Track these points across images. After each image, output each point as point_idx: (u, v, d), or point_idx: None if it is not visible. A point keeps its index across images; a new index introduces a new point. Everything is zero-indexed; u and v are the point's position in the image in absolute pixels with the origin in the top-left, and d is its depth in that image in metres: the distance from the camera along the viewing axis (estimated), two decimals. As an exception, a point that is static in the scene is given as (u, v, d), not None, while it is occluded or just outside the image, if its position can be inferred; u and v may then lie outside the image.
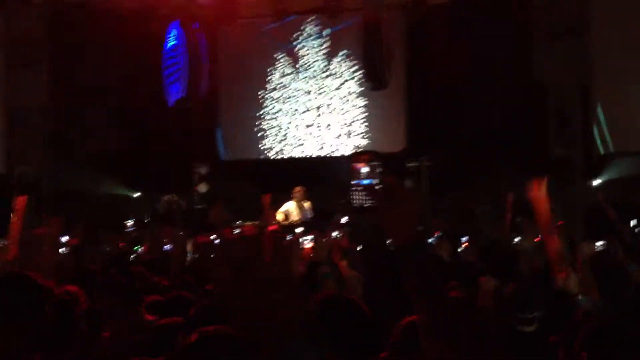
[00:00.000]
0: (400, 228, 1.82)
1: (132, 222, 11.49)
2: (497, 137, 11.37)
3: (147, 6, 12.29)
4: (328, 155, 13.13)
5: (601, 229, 7.60)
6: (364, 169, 2.22)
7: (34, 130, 12.77)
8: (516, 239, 6.90)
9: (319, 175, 11.45)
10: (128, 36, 12.39)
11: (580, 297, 4.24)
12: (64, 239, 7.16)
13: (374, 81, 11.50)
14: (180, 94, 12.75)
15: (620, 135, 11.36)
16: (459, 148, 11.61)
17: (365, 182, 2.16)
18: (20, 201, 5.05)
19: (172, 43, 12.93)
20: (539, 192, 4.47)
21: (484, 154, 11.30)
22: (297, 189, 10.88)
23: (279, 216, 10.82)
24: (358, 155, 2.18)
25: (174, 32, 12.88)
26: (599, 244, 6.81)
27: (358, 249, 6.58)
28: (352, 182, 2.21)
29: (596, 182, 11.57)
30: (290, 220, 10.73)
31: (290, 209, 10.88)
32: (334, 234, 8.56)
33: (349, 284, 4.87)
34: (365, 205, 2.09)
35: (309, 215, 10.78)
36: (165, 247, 7.82)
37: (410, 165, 11.95)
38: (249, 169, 13.13)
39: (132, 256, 7.72)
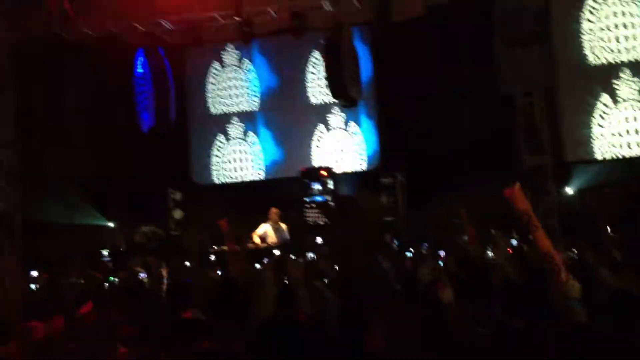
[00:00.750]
0: (352, 245, 1.80)
1: (108, 252, 11.38)
2: (468, 149, 11.47)
3: (113, 34, 12.25)
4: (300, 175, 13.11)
5: (575, 237, 7.67)
6: (316, 186, 2.21)
7: (2, 164, 12.58)
8: (489, 252, 6.91)
9: (292, 196, 11.42)
10: (95, 66, 12.33)
11: (572, 300, 4.23)
12: (34, 273, 7.06)
13: (338, 98, 11.55)
14: (150, 123, 12.70)
15: (583, 143, 11.52)
16: (432, 162, 11.69)
17: (319, 198, 2.15)
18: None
19: (139, 71, 12.90)
20: (515, 191, 4.50)
21: (457, 167, 11.38)
22: (273, 210, 10.84)
23: (256, 239, 10.78)
24: (309, 172, 2.17)
25: (140, 60, 12.85)
26: (574, 252, 6.86)
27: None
28: (306, 200, 2.19)
29: (569, 190, 11.71)
30: (267, 243, 10.69)
31: (267, 232, 10.83)
32: (310, 255, 8.54)
33: (325, 305, 4.83)
34: (320, 222, 2.08)
35: (286, 236, 10.74)
36: (140, 275, 7.74)
37: (384, 180, 12.02)
38: (223, 193, 13.08)
39: (106, 285, 7.62)
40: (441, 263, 7.31)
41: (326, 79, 11.49)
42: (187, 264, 8.32)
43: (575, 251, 6.95)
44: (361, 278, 1.65)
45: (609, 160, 11.49)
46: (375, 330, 2.18)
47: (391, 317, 1.64)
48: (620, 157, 11.44)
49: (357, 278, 1.64)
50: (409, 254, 8.32)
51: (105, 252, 11.32)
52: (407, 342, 1.60)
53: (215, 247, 10.75)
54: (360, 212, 1.70)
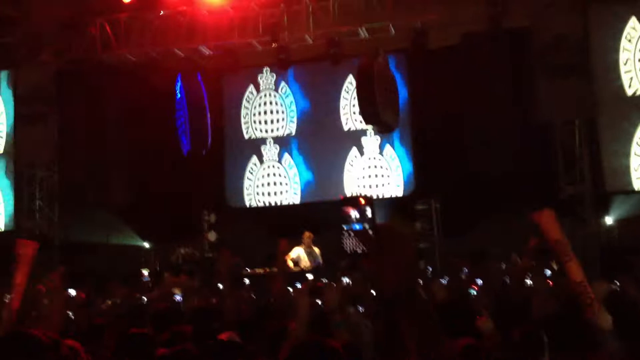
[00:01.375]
0: (392, 275, 1.77)
1: (147, 272, 11.49)
2: (505, 177, 11.35)
3: (153, 60, 12.50)
4: (335, 200, 13.10)
5: (615, 268, 7.50)
6: (354, 213, 2.18)
7: (42, 185, 12.86)
8: (528, 282, 6.78)
9: (326, 221, 11.42)
10: (135, 90, 12.58)
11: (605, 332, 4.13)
12: (72, 292, 7.13)
13: (370, 124, 11.56)
14: (187, 147, 12.88)
15: (622, 172, 11.30)
16: (469, 189, 11.59)
17: (357, 226, 2.12)
18: (24, 253, 5.03)
19: (178, 96, 13.14)
20: (545, 217, 4.40)
21: (494, 195, 11.26)
22: (307, 234, 10.84)
23: (289, 262, 10.77)
24: (348, 200, 2.15)
25: (178, 85, 13.09)
26: (613, 283, 6.70)
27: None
28: (344, 227, 2.17)
29: (608, 220, 11.49)
30: (300, 267, 10.67)
31: (300, 255, 10.83)
32: (345, 280, 8.49)
33: (360, 332, 4.79)
34: (358, 251, 2.04)
35: (319, 261, 10.71)
36: (176, 296, 7.78)
37: (419, 206, 11.93)
38: (257, 216, 13.14)
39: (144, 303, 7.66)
40: (474, 292, 7.21)
41: (358, 103, 11.53)
42: (220, 286, 8.35)
43: (617, 282, 6.78)
44: (399, 305, 1.62)
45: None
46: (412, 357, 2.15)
47: (429, 345, 1.61)
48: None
49: (394, 304, 1.62)
50: (443, 282, 8.21)
51: (145, 272, 11.44)
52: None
53: (249, 270, 10.79)
54: (399, 241, 1.67)
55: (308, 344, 2.45)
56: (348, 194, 12.63)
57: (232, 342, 4.11)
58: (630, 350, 3.90)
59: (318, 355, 2.33)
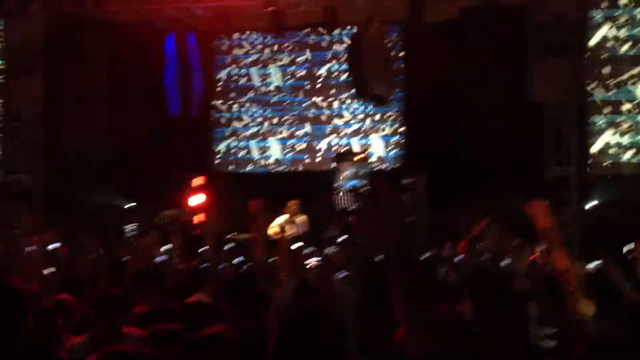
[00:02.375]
0: (385, 234, 1.73)
1: (130, 228, 11.42)
2: (494, 154, 11.36)
3: (144, 18, 12.29)
4: (322, 169, 13.06)
5: (597, 249, 7.56)
6: (348, 170, 2.11)
7: (28, 139, 12.71)
8: (505, 261, 6.81)
9: (312, 189, 11.39)
10: (124, 47, 12.39)
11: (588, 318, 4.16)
12: (51, 246, 7.10)
13: (360, 97, 11.46)
14: (174, 108, 12.75)
15: (610, 157, 11.36)
16: (457, 164, 11.60)
17: (350, 184, 2.06)
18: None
19: (169, 55, 12.96)
20: (539, 207, 4.39)
21: (481, 172, 11.28)
22: (291, 202, 10.80)
23: (272, 230, 10.75)
24: (342, 156, 2.08)
25: (170, 45, 12.90)
26: (594, 264, 6.76)
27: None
28: (335, 184, 2.10)
29: (591, 203, 11.56)
30: (284, 235, 10.65)
31: (284, 223, 10.80)
32: (329, 249, 8.50)
33: (342, 300, 4.80)
34: (349, 209, 1.99)
35: (305, 229, 10.69)
36: (157, 258, 7.75)
37: (407, 179, 11.93)
38: (244, 181, 13.09)
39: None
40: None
41: (349, 73, 11.42)
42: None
43: (596, 264, 6.84)
44: (390, 264, 1.58)
45: (634, 176, 11.34)
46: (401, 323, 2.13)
47: (421, 306, 1.58)
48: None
49: (385, 264, 1.59)
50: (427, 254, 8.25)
51: (129, 228, 11.39)
52: (435, 339, 1.54)
53: (234, 234, 10.76)
54: (392, 198, 1.62)
55: (299, 316, 2.42)
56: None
57: (201, 304, 4.11)
58: (609, 328, 3.94)
59: (311, 325, 2.30)
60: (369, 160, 10.84)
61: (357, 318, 4.26)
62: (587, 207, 11.51)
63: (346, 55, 12.66)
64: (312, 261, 7.09)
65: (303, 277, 5.16)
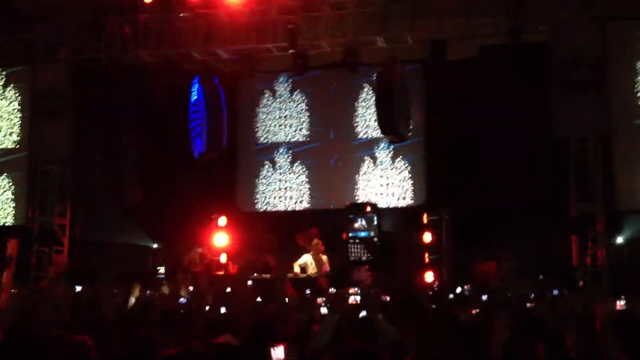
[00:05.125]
0: (396, 283, 1.76)
1: (163, 270, 11.51)
2: (517, 192, 11.30)
3: (170, 61, 12.56)
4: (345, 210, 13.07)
5: (624, 287, 7.44)
6: (361, 221, 2.16)
7: (55, 182, 12.93)
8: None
9: (338, 229, 11.41)
10: (151, 90, 12.65)
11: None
12: (79, 287, 7.17)
13: (387, 134, 11.54)
14: (201, 149, 12.89)
15: (635, 192, 11.19)
16: (480, 202, 11.56)
17: (363, 234, 2.10)
18: (12, 246, 5.07)
19: (194, 98, 13.16)
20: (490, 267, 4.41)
21: (506, 209, 11.22)
22: (315, 241, 10.86)
23: (296, 268, 10.79)
24: (354, 207, 2.13)
25: (195, 87, 13.11)
26: (621, 302, 6.65)
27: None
28: (349, 235, 2.14)
29: (619, 240, 11.41)
30: (307, 274, 10.67)
31: (307, 262, 10.84)
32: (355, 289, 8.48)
33: (383, 338, 4.77)
34: (363, 259, 2.02)
35: (327, 269, 10.71)
36: (181, 299, 7.79)
37: (429, 218, 11.91)
38: (267, 221, 13.15)
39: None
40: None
41: (376, 114, 11.53)
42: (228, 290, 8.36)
43: (624, 301, 6.73)
44: (404, 311, 1.62)
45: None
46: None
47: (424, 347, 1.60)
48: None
49: (400, 310, 1.62)
50: (450, 296, 8.18)
51: (161, 270, 11.48)
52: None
53: (256, 275, 10.80)
54: (404, 249, 1.66)
55: (353, 350, 2.45)
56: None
57: (228, 345, 4.11)
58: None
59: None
60: (379, 211, 10.92)
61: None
62: (615, 243, 11.35)
63: (372, 95, 12.82)
64: (352, 299, 7.10)
65: (346, 313, 5.14)
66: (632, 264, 10.31)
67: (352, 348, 2.45)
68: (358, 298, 6.94)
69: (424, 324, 1.72)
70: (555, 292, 8.05)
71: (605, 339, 4.24)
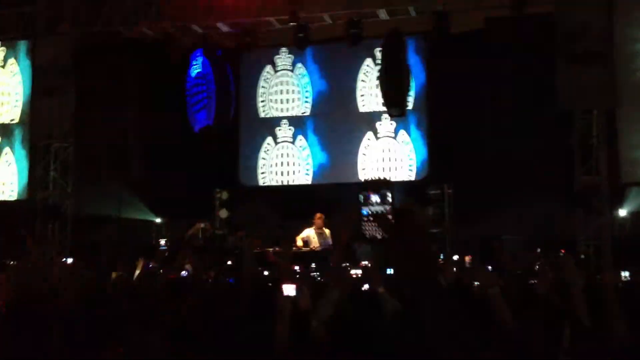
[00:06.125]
0: (408, 262, 1.73)
1: (164, 242, 11.54)
2: (521, 165, 11.26)
3: (172, 35, 12.46)
4: (348, 183, 13.05)
5: (628, 259, 7.43)
6: (375, 197, 2.13)
7: (57, 156, 12.91)
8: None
9: (339, 204, 11.40)
10: (152, 64, 12.56)
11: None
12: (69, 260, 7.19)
13: (392, 108, 11.47)
14: (207, 122, 12.82)
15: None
16: (483, 176, 11.52)
17: (377, 210, 2.07)
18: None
19: (197, 71, 13.06)
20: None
21: (508, 182, 11.19)
22: (318, 215, 10.85)
23: (299, 242, 10.80)
24: (368, 183, 2.10)
25: (199, 60, 13.01)
26: (625, 273, 6.64)
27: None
28: (363, 212, 2.11)
29: (623, 212, 11.38)
30: (310, 247, 10.68)
31: (310, 236, 10.84)
32: (364, 262, 8.51)
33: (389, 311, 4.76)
34: (378, 237, 1.99)
35: (329, 242, 10.71)
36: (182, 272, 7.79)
37: (432, 192, 11.88)
38: (269, 195, 13.15)
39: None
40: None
41: (381, 87, 11.44)
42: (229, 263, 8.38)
43: (627, 273, 6.72)
44: (417, 295, 1.60)
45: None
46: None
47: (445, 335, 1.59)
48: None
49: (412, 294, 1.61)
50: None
51: (162, 242, 11.50)
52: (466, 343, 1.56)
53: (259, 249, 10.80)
54: (419, 225, 1.63)
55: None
56: (363, 177, 12.56)
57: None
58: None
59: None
60: (394, 187, 10.85)
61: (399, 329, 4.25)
62: (618, 216, 11.33)
63: (375, 68, 12.73)
64: (354, 272, 7.11)
65: (347, 288, 5.14)
66: (636, 236, 10.28)
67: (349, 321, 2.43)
68: (360, 272, 6.95)
69: (437, 296, 1.69)
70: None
71: (610, 310, 4.23)
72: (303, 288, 4.37)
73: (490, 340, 3.24)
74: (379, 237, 1.97)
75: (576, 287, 4.22)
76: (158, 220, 13.59)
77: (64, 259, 8.60)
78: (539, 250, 9.17)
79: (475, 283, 5.01)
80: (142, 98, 13.44)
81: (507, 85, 11.62)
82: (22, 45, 13.28)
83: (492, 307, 3.80)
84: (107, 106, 13.22)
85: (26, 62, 13.22)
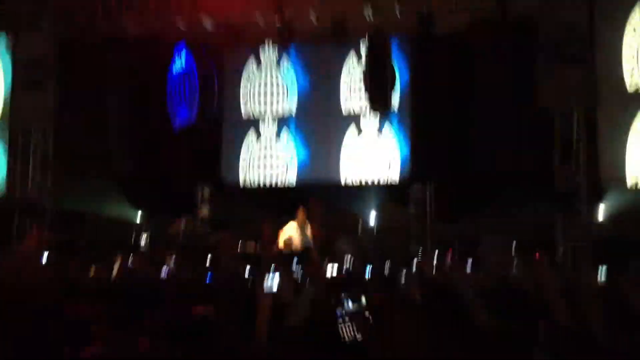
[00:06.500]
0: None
1: (146, 240, 11.46)
2: (502, 165, 11.32)
3: (153, 31, 12.37)
4: (330, 182, 13.04)
5: (606, 261, 7.49)
6: (347, 300, 2.08)
7: (36, 151, 12.78)
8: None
9: (322, 203, 11.39)
10: (136, 61, 12.46)
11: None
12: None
13: (376, 107, 11.49)
14: (190, 118, 12.77)
15: (619, 166, 11.26)
16: (464, 175, 11.57)
17: (351, 308, 2.00)
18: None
19: (181, 66, 13.00)
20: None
21: (490, 182, 11.25)
22: (300, 211, 10.85)
23: (281, 244, 10.77)
24: (337, 282, 2.06)
25: (182, 56, 12.95)
26: (604, 275, 6.70)
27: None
28: (338, 313, 2.04)
29: (602, 213, 11.46)
30: (293, 249, 10.65)
31: (292, 236, 10.80)
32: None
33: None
34: (358, 339, 1.91)
35: (310, 241, 10.70)
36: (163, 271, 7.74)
37: (414, 191, 11.92)
38: (252, 193, 13.10)
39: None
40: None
41: (365, 85, 11.46)
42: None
43: (606, 274, 6.78)
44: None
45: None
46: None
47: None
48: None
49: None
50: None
51: (143, 239, 11.42)
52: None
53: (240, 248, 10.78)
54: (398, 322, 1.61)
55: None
56: (345, 176, 12.57)
57: (205, 317, 4.08)
58: (618, 343, 3.88)
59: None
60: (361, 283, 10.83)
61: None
62: (599, 218, 11.41)
63: (359, 67, 12.72)
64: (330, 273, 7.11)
65: (321, 288, 5.12)
66: (615, 237, 10.36)
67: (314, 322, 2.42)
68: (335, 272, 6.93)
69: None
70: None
71: (588, 311, 4.25)
72: (286, 279, 4.35)
73: (466, 338, 3.25)
74: (359, 339, 1.90)
75: (553, 288, 4.24)
76: (138, 217, 13.49)
77: (42, 256, 8.49)
78: (516, 250, 9.23)
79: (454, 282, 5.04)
80: (124, 94, 13.32)
81: (490, 86, 11.66)
82: (2, 40, 13.12)
83: (468, 307, 3.82)
84: (89, 102, 13.09)
85: (6, 57, 13.07)
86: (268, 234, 7.96)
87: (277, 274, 4.02)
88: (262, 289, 3.78)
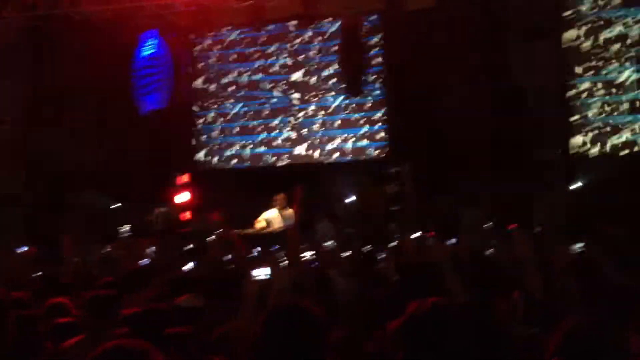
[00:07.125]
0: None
1: (127, 229, 11.40)
2: (477, 141, 11.41)
3: (122, 16, 12.19)
4: (308, 162, 13.06)
5: (581, 232, 7.63)
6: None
7: (8, 141, 12.61)
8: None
9: (298, 183, 11.39)
10: (102, 46, 12.28)
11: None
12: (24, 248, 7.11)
13: (352, 88, 11.50)
14: (160, 104, 12.64)
15: (595, 137, 11.43)
16: (441, 152, 11.65)
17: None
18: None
19: (150, 52, 12.83)
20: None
21: (467, 158, 11.34)
22: (279, 196, 10.83)
23: (260, 224, 10.78)
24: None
25: (152, 41, 12.79)
26: (578, 246, 6.82)
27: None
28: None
29: (575, 185, 11.64)
30: (272, 229, 10.68)
31: (271, 217, 10.83)
32: (327, 243, 8.57)
33: (333, 291, 4.82)
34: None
35: (290, 222, 10.71)
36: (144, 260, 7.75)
37: (391, 169, 11.97)
38: (228, 176, 13.07)
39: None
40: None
41: (339, 67, 11.45)
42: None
43: (581, 245, 6.90)
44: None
45: (618, 157, 11.41)
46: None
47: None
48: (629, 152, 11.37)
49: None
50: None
51: (124, 228, 11.36)
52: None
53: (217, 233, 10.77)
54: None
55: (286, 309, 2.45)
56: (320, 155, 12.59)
57: (190, 304, 4.11)
58: (593, 315, 3.97)
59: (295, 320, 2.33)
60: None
61: (348, 308, 4.31)
62: (571, 189, 11.58)
63: (331, 48, 12.69)
64: (307, 254, 7.16)
65: (302, 269, 5.17)
66: (588, 208, 10.54)
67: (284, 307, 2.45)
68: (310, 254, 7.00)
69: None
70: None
71: (562, 282, 4.35)
72: (277, 268, 4.39)
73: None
74: None
75: (528, 261, 4.33)
76: (116, 205, 13.39)
77: (20, 248, 8.45)
78: (492, 224, 9.36)
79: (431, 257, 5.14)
80: (91, 81, 13.13)
81: (462, 62, 11.71)
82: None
83: (444, 280, 3.89)
84: (56, 89, 12.90)
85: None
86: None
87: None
88: (250, 278, 3.82)
